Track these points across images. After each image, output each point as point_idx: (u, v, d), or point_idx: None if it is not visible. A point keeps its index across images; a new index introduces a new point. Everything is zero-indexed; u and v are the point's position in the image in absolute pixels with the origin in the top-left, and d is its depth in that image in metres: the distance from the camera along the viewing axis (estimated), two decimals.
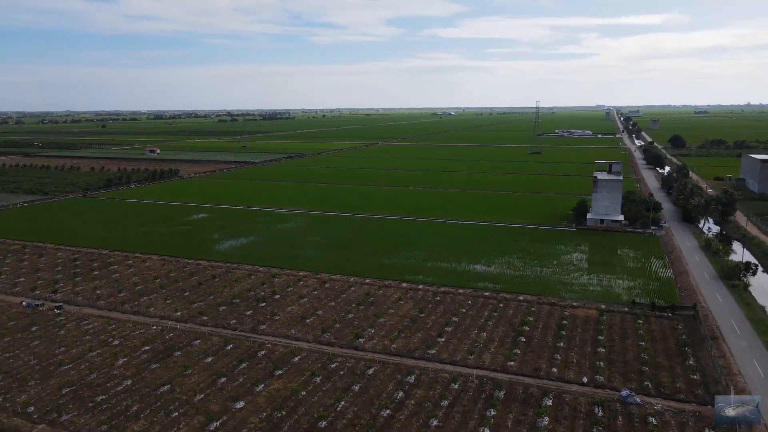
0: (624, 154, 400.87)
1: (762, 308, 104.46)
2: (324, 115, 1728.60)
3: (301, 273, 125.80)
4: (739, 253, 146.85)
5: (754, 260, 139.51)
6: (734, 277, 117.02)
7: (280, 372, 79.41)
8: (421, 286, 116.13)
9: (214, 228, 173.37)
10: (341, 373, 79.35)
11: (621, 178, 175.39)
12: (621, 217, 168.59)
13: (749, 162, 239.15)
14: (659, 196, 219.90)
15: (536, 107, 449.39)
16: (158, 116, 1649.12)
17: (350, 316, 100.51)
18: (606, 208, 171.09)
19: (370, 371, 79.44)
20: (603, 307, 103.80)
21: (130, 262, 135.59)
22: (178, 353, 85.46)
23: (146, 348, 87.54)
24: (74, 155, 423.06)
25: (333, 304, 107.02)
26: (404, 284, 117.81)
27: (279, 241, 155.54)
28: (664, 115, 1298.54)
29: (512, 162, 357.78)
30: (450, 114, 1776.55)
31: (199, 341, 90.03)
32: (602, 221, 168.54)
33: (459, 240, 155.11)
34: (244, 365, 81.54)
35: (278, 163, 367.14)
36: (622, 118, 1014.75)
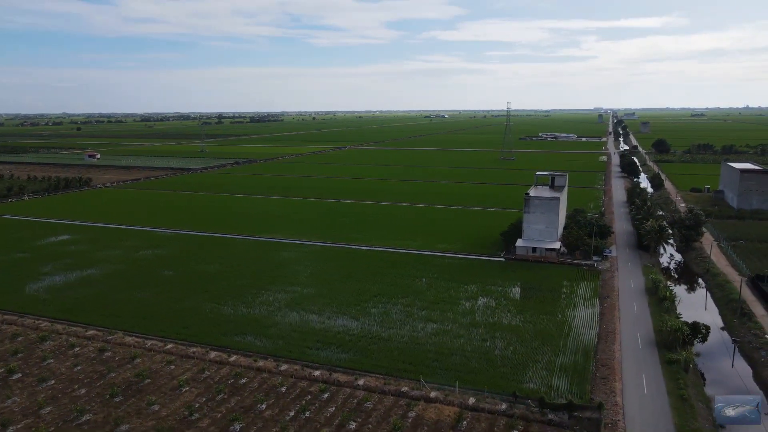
0: (603, 160, 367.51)
1: (707, 402, 70.73)
2: (314, 118, 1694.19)
3: (89, 332, 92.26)
4: (698, 298, 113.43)
5: (714, 307, 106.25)
6: (675, 346, 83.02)
7: None
8: (233, 358, 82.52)
9: (59, 256, 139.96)
10: None
11: (559, 195, 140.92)
12: (558, 245, 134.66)
13: (728, 171, 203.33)
14: (620, 213, 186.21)
15: (507, 109, 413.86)
16: (145, 119, 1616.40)
17: (83, 419, 66.84)
18: (540, 233, 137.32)
19: None
20: (471, 401, 70.08)
21: None
22: None
23: None
24: (4, 161, 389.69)
25: (83, 391, 73.43)
26: (213, 353, 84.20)
27: (118, 278, 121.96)
28: (661, 118, 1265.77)
29: (477, 169, 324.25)
30: (443, 116, 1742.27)
31: None
32: (535, 249, 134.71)
33: (346, 275, 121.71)
34: None
35: (220, 170, 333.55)
36: (615, 121, 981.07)
